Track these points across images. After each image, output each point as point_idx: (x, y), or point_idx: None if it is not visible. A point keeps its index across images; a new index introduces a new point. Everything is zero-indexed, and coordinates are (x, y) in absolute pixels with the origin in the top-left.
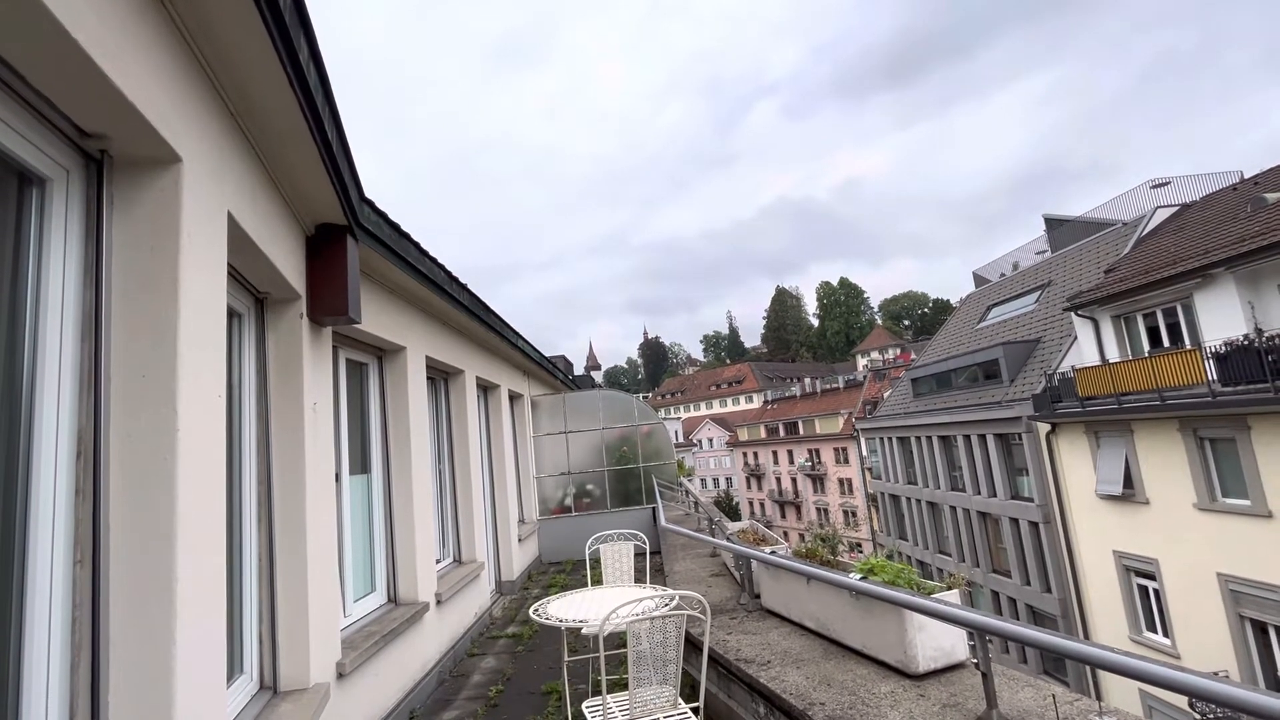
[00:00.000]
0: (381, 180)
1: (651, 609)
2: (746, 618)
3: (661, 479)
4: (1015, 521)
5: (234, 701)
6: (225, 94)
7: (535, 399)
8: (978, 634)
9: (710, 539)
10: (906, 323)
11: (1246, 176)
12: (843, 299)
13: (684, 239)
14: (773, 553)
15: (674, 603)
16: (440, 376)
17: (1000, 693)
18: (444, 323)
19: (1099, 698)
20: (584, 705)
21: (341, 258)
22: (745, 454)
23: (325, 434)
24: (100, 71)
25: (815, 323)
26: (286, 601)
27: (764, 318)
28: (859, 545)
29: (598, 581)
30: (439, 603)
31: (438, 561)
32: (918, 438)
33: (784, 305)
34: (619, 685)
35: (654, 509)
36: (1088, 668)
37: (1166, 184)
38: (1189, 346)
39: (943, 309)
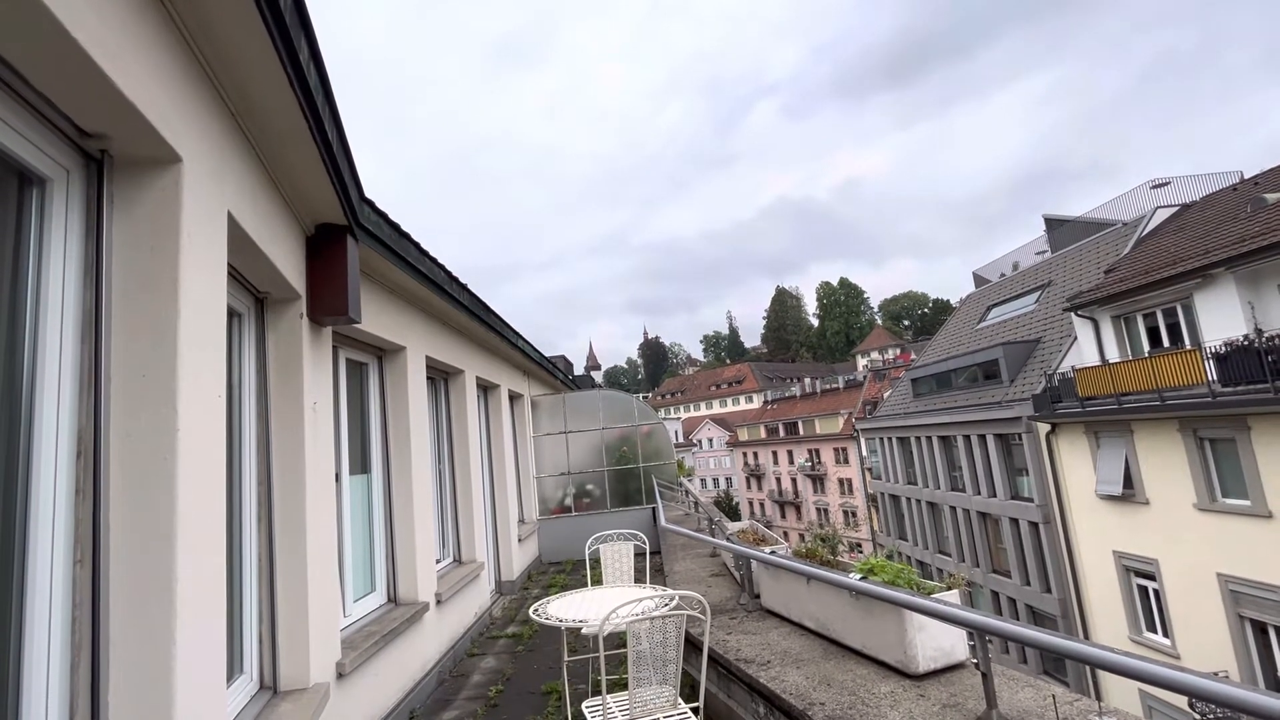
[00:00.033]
0: (381, 179)
1: (651, 609)
2: (746, 618)
3: (661, 479)
4: (1015, 522)
5: (234, 701)
6: (225, 94)
7: (535, 399)
8: (977, 634)
9: (710, 539)
10: (906, 323)
11: (1246, 177)
12: (843, 299)
13: (684, 239)
14: (772, 553)
15: (674, 603)
16: (440, 376)
17: (1000, 693)
18: (444, 323)
19: (1099, 698)
20: (584, 705)
21: (341, 258)
22: (745, 454)
23: (325, 434)
24: (100, 71)
25: (815, 323)
26: (286, 601)
27: (764, 318)
28: (859, 545)
29: (598, 581)
30: (439, 603)
31: (438, 561)
32: (918, 438)
33: (784, 305)
34: (619, 685)
35: (654, 509)
36: (1087, 668)
37: (1166, 184)
38: (1189, 347)
39: (943, 309)
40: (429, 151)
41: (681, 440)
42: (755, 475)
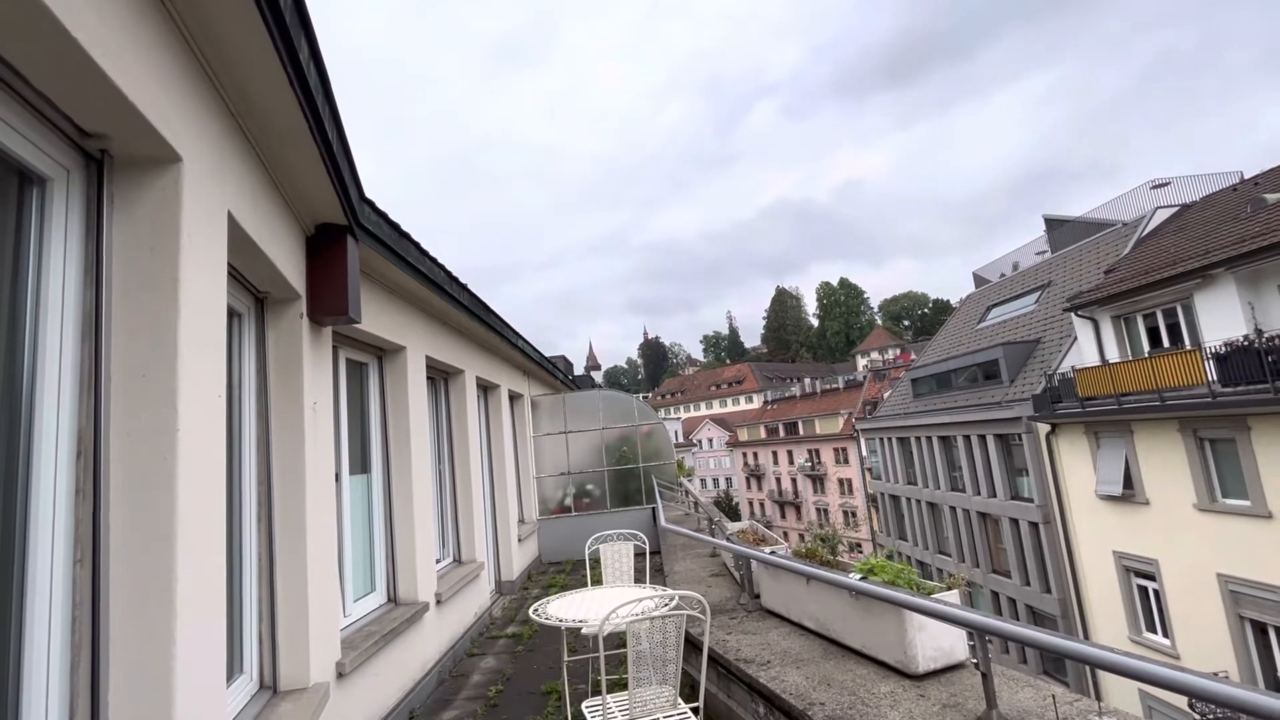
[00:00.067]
0: (381, 179)
1: (651, 609)
2: (746, 618)
3: (661, 479)
4: (1015, 522)
5: (234, 701)
6: (225, 94)
7: (535, 399)
8: (977, 634)
9: (710, 539)
10: (906, 323)
11: (1246, 177)
12: (843, 299)
13: (684, 239)
14: (772, 553)
15: (674, 603)
16: (440, 376)
17: (1000, 693)
18: (444, 323)
19: (1099, 698)
20: (584, 705)
21: (341, 258)
22: (745, 454)
23: (325, 434)
24: (101, 71)
25: (815, 323)
26: (286, 601)
27: (764, 318)
28: (859, 545)
29: (597, 581)
30: (439, 603)
31: (438, 561)
32: (917, 438)
33: (784, 305)
34: (619, 685)
35: (654, 509)
36: (1087, 668)
37: (1167, 184)
38: (1189, 347)
39: (943, 309)
40: (429, 151)
41: (681, 440)
42: (755, 475)
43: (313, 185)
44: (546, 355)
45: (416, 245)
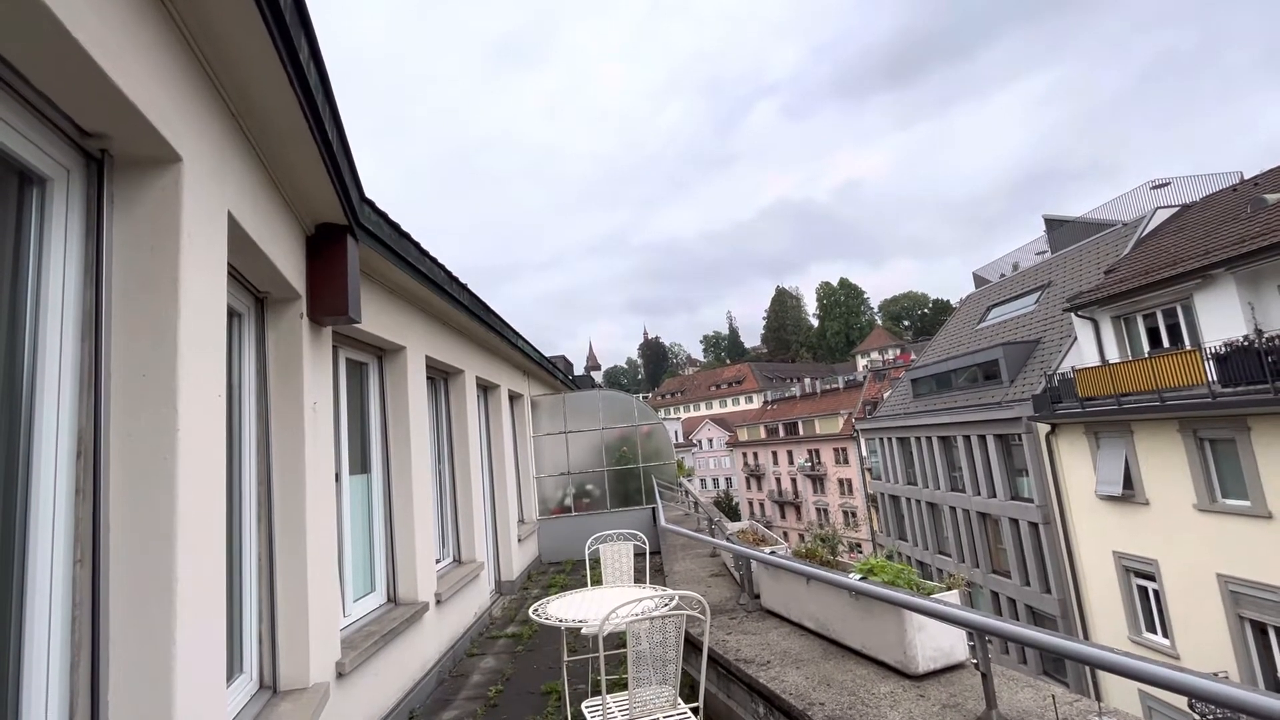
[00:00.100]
0: (381, 179)
1: (651, 609)
2: (746, 618)
3: (661, 479)
4: (1015, 522)
5: (234, 701)
6: (226, 94)
7: (535, 399)
8: (977, 634)
9: (710, 539)
10: (906, 323)
11: (1246, 177)
12: (843, 299)
13: (684, 239)
14: (772, 553)
15: (673, 603)
16: (440, 376)
17: (1000, 693)
18: (444, 323)
19: (1099, 698)
20: (583, 705)
21: (341, 258)
22: (745, 454)
23: (325, 434)
24: (101, 71)
25: (815, 323)
26: (286, 601)
27: (764, 318)
28: (859, 546)
29: (597, 581)
30: (438, 603)
31: (437, 561)
32: (917, 438)
33: (784, 305)
34: (619, 685)
35: (654, 509)
36: (1087, 668)
37: (1167, 184)
38: (1189, 347)
39: (943, 309)
40: (429, 151)
41: (681, 440)
42: (755, 475)
43: (313, 185)
44: (546, 355)
45: (416, 245)
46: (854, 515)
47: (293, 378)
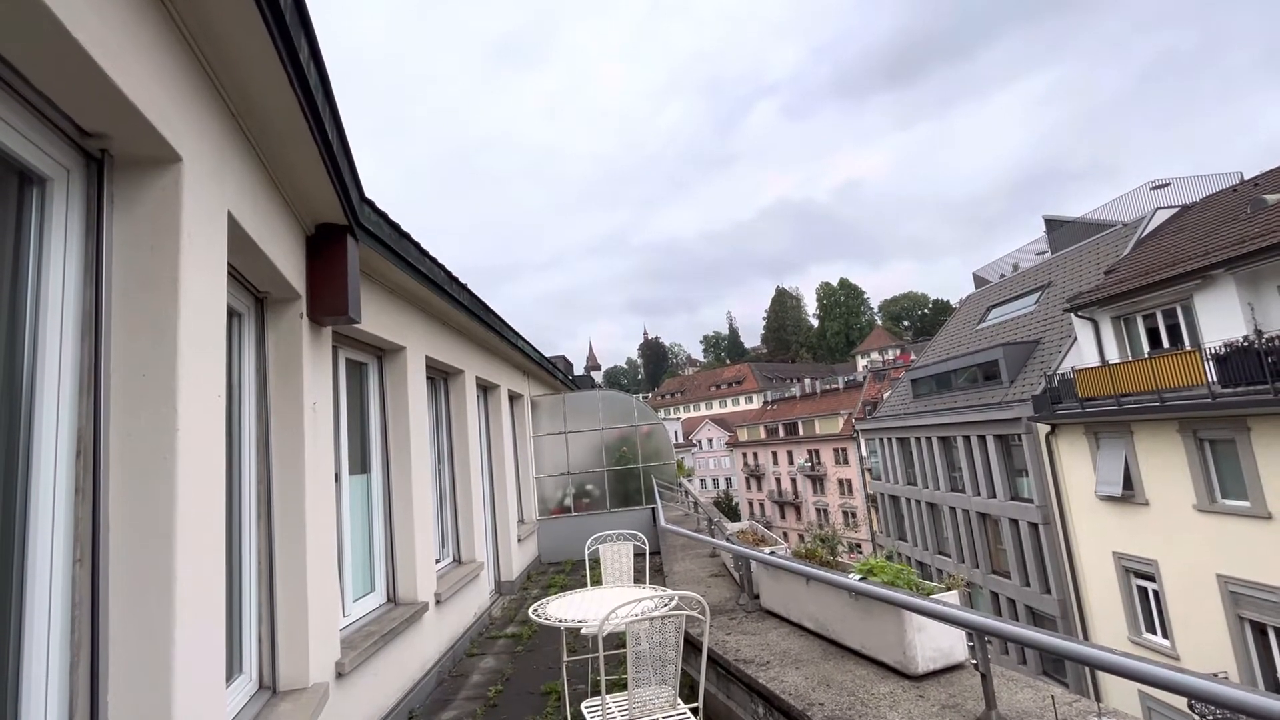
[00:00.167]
0: (381, 179)
1: (651, 609)
2: (746, 618)
3: (661, 479)
4: (1015, 522)
5: (233, 701)
6: (226, 94)
7: (535, 399)
8: (977, 635)
9: (710, 539)
10: (906, 323)
11: (1246, 178)
12: (842, 299)
13: (684, 239)
14: (772, 553)
15: (673, 603)
16: (440, 376)
17: (999, 693)
18: (444, 323)
19: (1098, 699)
20: (583, 705)
21: (341, 258)
22: (745, 454)
23: (325, 434)
24: (101, 71)
25: (815, 323)
26: (286, 601)
27: (764, 318)
28: (858, 546)
29: (597, 582)
30: (438, 603)
31: (437, 561)
32: (917, 439)
33: (784, 306)
34: (618, 685)
35: (653, 509)
36: (1087, 669)
37: (1167, 185)
38: (1189, 348)
39: (943, 310)
40: (429, 150)
41: (681, 441)
42: (755, 476)
43: (313, 185)
44: (546, 355)
45: (416, 245)
46: (854, 515)
47: (293, 378)
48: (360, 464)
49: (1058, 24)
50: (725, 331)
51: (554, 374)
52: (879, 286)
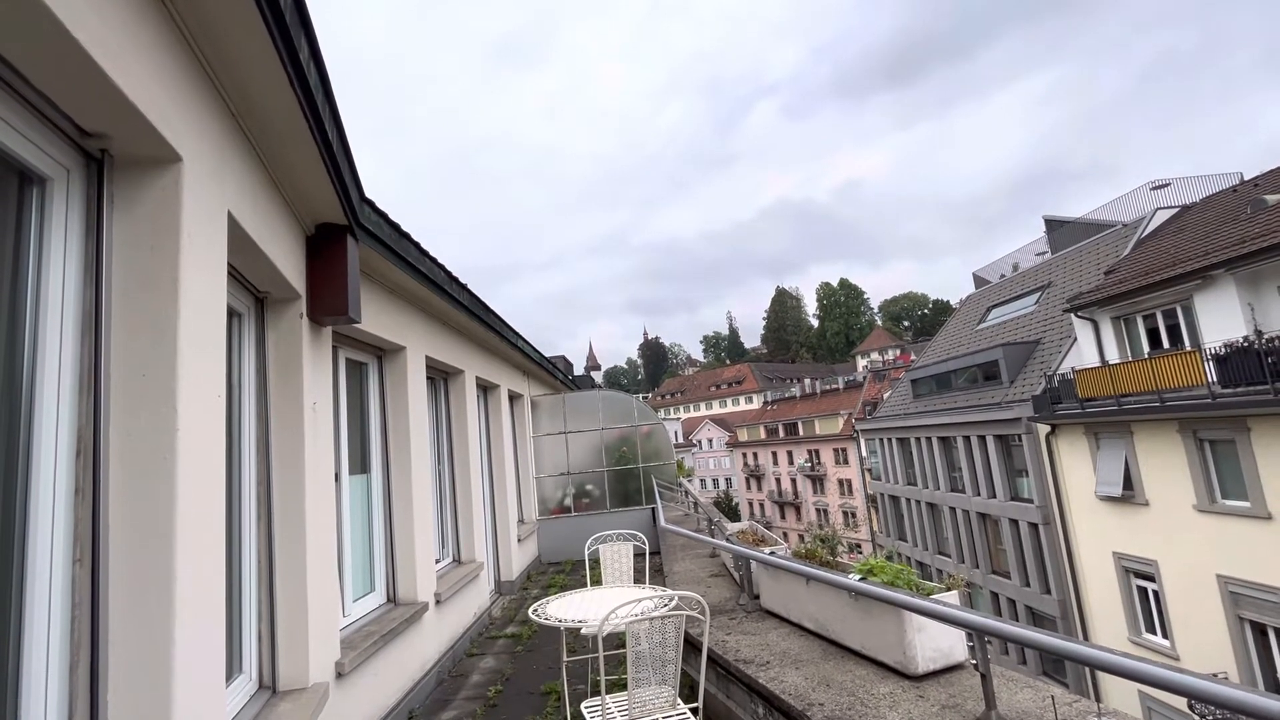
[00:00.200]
0: (381, 178)
1: (651, 609)
2: (746, 618)
3: (661, 479)
4: (1015, 523)
5: (233, 701)
6: (226, 94)
7: (535, 399)
8: (976, 635)
9: (710, 539)
10: (906, 324)
11: (1246, 178)
12: (843, 300)
13: (684, 239)
14: (772, 553)
15: (673, 603)
16: (440, 376)
17: (999, 694)
18: (444, 323)
19: (1098, 699)
20: (583, 705)
21: (341, 258)
22: (745, 454)
23: (325, 434)
24: (101, 71)
25: (815, 323)
26: (285, 601)
27: (764, 318)
28: (858, 546)
29: (597, 582)
30: (438, 603)
31: (437, 561)
32: (917, 439)
33: (784, 306)
34: (618, 686)
35: (653, 509)
36: (1087, 669)
37: (1167, 185)
38: (1189, 348)
39: (943, 310)
40: (429, 150)
41: (681, 441)
42: (755, 476)
43: (313, 185)
44: (546, 355)
45: (416, 245)
46: (854, 516)
47: (293, 377)
48: (360, 464)
49: (1058, 24)
50: (725, 331)
51: (554, 374)
52: (879, 286)
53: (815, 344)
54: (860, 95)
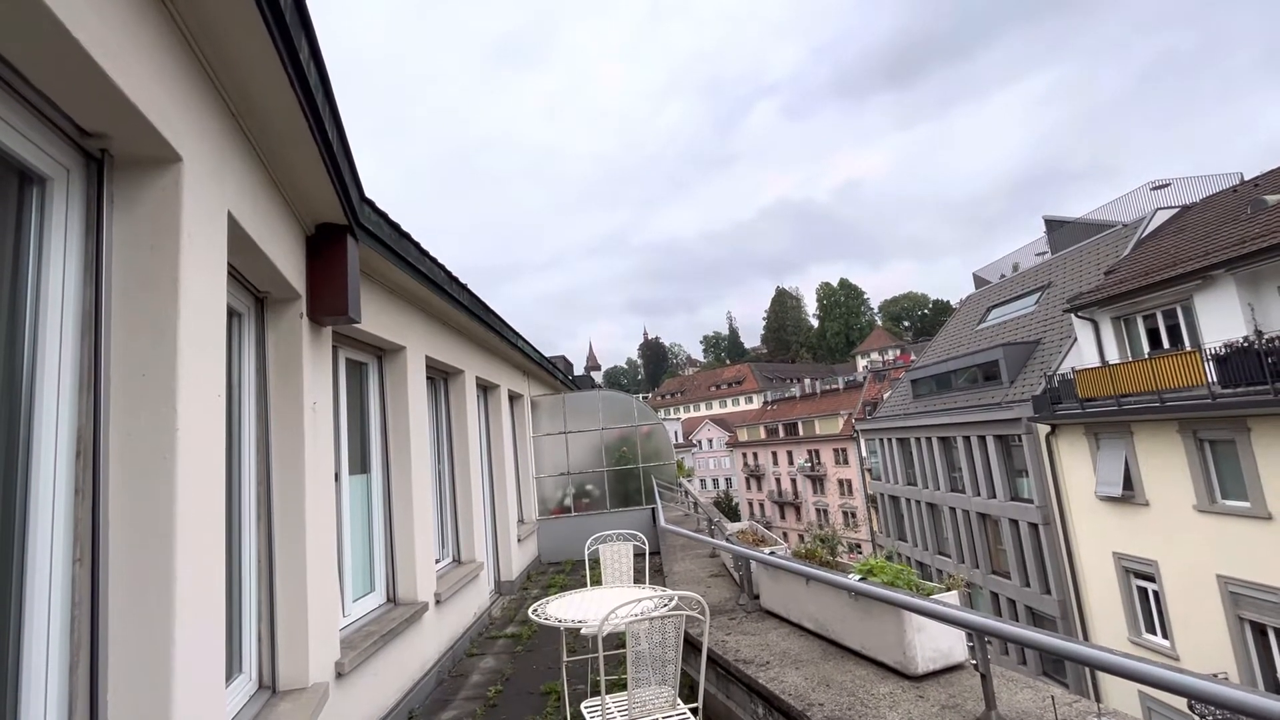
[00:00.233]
0: (381, 178)
1: (650, 609)
2: (745, 618)
3: (661, 479)
4: (1015, 523)
5: (233, 701)
6: (226, 94)
7: (535, 399)
8: (976, 635)
9: (709, 540)
10: (906, 324)
11: (1247, 178)
12: (843, 300)
13: (684, 239)
14: (772, 553)
15: (673, 603)
16: (440, 376)
17: (999, 694)
18: (444, 323)
19: (1098, 699)
20: (583, 705)
21: (341, 258)
22: (745, 455)
23: (325, 434)
24: (101, 71)
25: (815, 323)
26: (285, 601)
27: (764, 318)
28: (858, 546)
29: (597, 582)
30: (438, 603)
31: (437, 561)
32: (917, 439)
33: (784, 306)
34: (618, 686)
35: (653, 509)
36: (1087, 669)
37: (1167, 185)
38: (1189, 348)
39: (943, 310)
40: (429, 150)
41: (681, 441)
42: (755, 476)
43: (313, 185)
44: (546, 355)
45: (416, 245)
46: (854, 516)
47: (292, 377)
48: (360, 464)
49: (1058, 24)
50: (725, 331)
51: (554, 374)
52: (879, 287)
53: (815, 344)
54: (860, 95)
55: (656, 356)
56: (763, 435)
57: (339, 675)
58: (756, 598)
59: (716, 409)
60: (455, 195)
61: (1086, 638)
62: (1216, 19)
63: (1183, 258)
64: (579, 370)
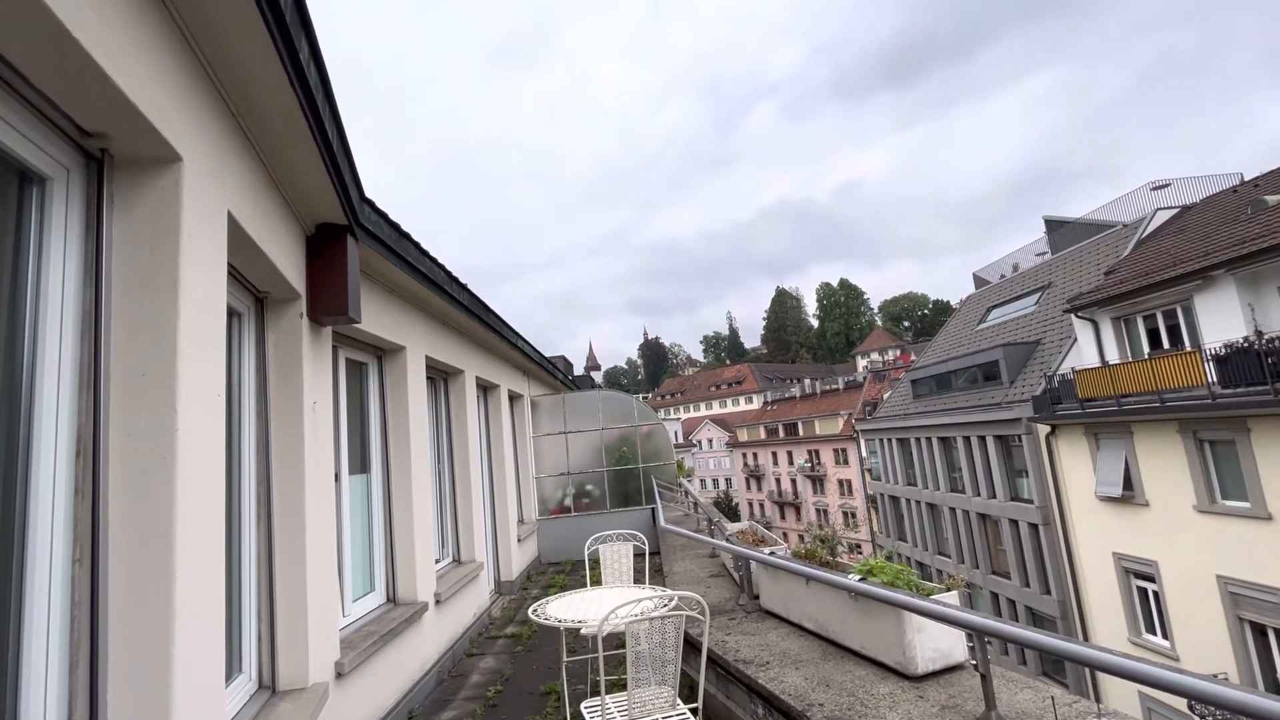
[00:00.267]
0: (381, 178)
1: (650, 609)
2: (745, 618)
3: (661, 479)
4: (1015, 523)
5: (232, 701)
6: (226, 94)
7: (535, 399)
8: (976, 635)
9: (709, 540)
10: (906, 324)
11: (1247, 179)
12: (842, 300)
13: (684, 239)
14: (771, 554)
15: (673, 603)
16: (440, 376)
17: (999, 694)
18: (444, 323)
19: (1098, 700)
20: (583, 705)
21: (341, 257)
22: (745, 455)
23: (325, 433)
24: (101, 71)
25: (815, 324)
26: (285, 601)
27: (764, 318)
28: (858, 546)
29: (597, 582)
30: (438, 603)
31: (437, 561)
32: (917, 439)
33: (784, 306)
34: (618, 686)
35: (653, 509)
36: (1087, 670)
37: (1167, 186)
38: (1189, 348)
39: (943, 310)
40: (429, 150)
41: (681, 441)
42: (755, 476)
43: (313, 185)
44: (546, 355)
45: (416, 245)
46: (854, 516)
47: (292, 377)
48: (360, 464)
49: (1058, 24)
50: (725, 332)
51: (554, 374)
52: (879, 287)
53: (815, 344)
54: (860, 96)
55: (656, 356)
56: (763, 435)
57: (339, 675)
58: (756, 598)
59: (716, 409)
60: (455, 195)
61: (1086, 638)
62: (1216, 19)
63: (1183, 258)
64: (579, 370)
